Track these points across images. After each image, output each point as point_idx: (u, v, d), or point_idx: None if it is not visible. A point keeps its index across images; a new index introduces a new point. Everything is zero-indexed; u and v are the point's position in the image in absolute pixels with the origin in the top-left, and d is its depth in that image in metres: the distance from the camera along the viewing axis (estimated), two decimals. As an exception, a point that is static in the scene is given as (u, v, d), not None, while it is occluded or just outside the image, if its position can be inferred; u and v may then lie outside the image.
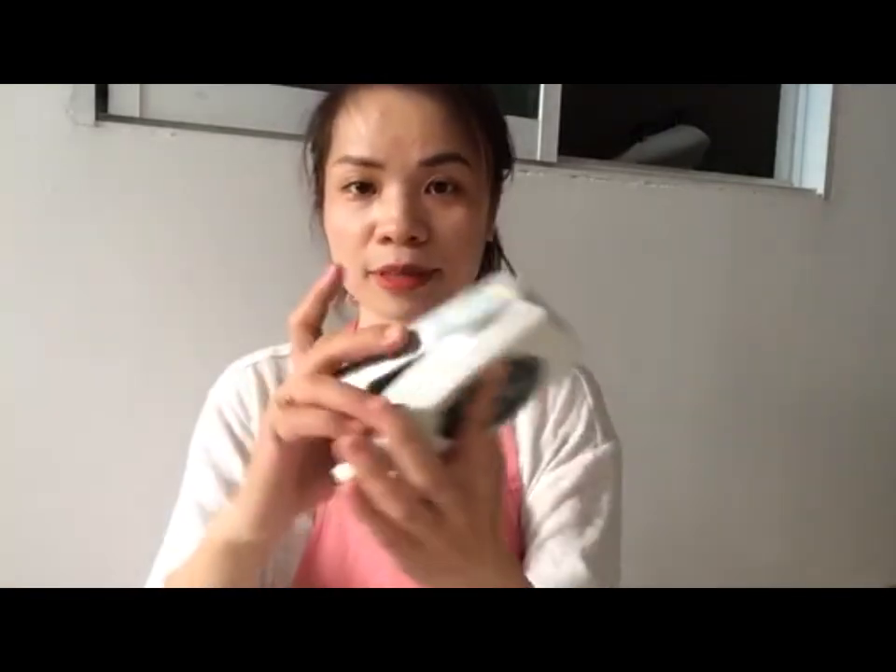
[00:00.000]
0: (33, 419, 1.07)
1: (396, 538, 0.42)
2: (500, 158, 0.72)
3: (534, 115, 1.45)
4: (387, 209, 0.64)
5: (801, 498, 1.83)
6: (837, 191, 1.78)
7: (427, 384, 0.41)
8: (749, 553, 1.75)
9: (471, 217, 0.67)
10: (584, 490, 0.71)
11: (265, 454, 0.47)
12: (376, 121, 0.64)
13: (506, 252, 0.81)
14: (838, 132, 1.76)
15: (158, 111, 1.13)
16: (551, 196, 1.43)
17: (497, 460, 0.46)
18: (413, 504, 0.41)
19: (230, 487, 0.69)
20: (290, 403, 0.45)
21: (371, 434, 0.40)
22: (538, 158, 1.45)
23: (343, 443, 0.40)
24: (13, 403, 1.06)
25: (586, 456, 0.72)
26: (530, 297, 0.44)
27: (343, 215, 0.66)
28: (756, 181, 1.78)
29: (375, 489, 0.40)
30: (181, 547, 0.65)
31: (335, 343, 0.45)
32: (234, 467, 0.70)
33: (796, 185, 1.82)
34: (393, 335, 0.43)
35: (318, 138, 0.71)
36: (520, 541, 0.71)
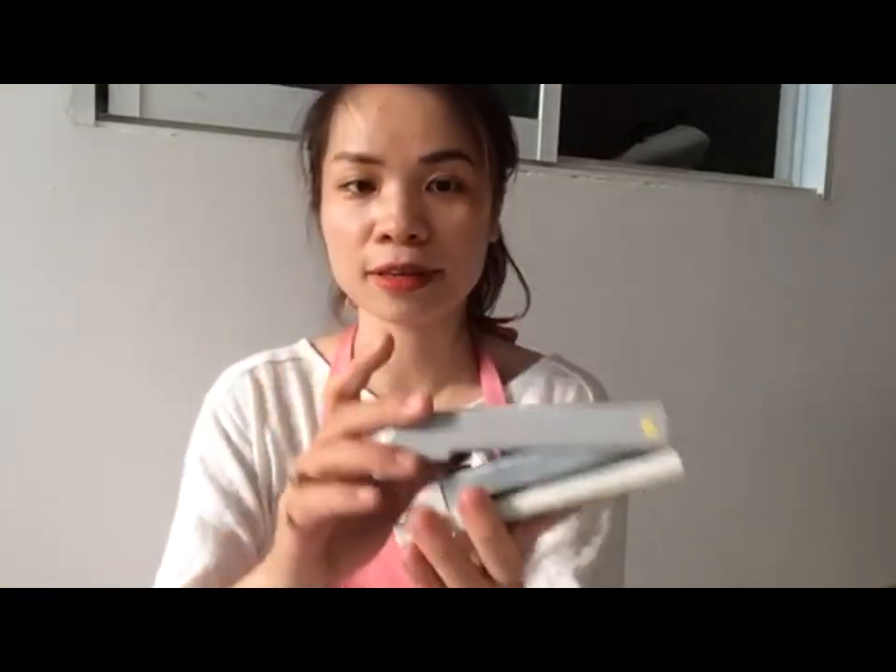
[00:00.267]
0: (33, 419, 1.07)
1: (440, 584, 0.43)
2: (504, 155, 0.70)
3: (534, 115, 1.45)
4: (386, 207, 0.62)
5: (801, 498, 1.82)
6: (837, 191, 1.78)
7: (522, 486, 0.41)
8: (749, 553, 1.75)
9: (474, 216, 0.64)
10: (583, 507, 0.70)
11: (284, 541, 0.46)
12: (375, 117, 0.62)
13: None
14: (838, 132, 1.76)
15: (158, 111, 1.13)
16: (551, 196, 1.43)
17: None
18: (471, 570, 0.42)
19: (229, 498, 0.67)
20: (304, 478, 0.43)
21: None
22: (538, 158, 1.44)
23: (416, 524, 0.40)
24: (13, 403, 1.06)
25: None
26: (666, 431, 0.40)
27: (341, 213, 0.64)
28: (756, 181, 1.78)
29: (438, 562, 0.41)
30: (185, 568, 0.63)
31: (352, 414, 0.43)
32: (233, 476, 0.68)
33: (796, 185, 1.82)
34: (415, 405, 0.41)
35: (315, 135, 0.68)
36: None
